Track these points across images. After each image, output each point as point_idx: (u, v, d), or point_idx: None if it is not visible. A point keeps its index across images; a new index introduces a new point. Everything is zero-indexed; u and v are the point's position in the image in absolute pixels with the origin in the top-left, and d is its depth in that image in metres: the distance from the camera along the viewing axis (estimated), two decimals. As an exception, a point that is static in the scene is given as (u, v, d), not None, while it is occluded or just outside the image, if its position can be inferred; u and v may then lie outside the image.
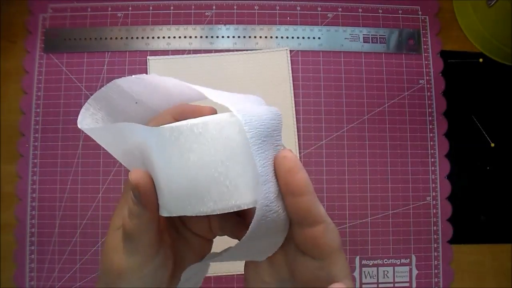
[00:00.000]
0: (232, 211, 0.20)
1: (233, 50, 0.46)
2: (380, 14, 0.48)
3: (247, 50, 0.46)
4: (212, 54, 0.46)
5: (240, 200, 0.20)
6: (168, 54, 0.46)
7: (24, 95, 0.46)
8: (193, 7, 0.47)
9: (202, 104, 0.24)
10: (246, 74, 0.46)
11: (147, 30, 0.47)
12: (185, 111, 0.24)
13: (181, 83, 0.23)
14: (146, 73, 0.45)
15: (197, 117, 0.21)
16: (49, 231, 0.44)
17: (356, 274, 0.44)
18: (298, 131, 0.45)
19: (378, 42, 0.47)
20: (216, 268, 0.43)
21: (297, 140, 0.45)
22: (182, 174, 0.20)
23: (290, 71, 0.46)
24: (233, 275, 0.43)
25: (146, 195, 0.21)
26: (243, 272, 0.44)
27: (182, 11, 0.47)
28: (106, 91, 0.23)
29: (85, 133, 0.45)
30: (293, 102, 0.45)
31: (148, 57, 0.46)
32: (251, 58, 0.46)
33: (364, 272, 0.44)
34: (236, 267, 0.43)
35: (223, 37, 0.47)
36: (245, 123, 0.19)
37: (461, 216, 0.46)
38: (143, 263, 0.22)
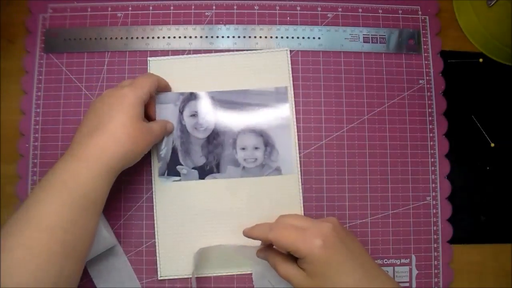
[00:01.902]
0: None
1: (233, 50, 0.46)
2: (380, 14, 0.48)
3: (247, 50, 0.46)
4: (212, 54, 0.46)
5: None
6: (168, 54, 0.46)
7: (24, 95, 0.46)
8: (193, 7, 0.47)
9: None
10: (246, 74, 0.46)
11: (147, 30, 0.47)
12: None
13: None
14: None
15: None
16: (49, 231, 0.44)
17: (356, 274, 0.44)
18: (298, 131, 0.45)
19: (378, 42, 0.47)
20: (216, 268, 0.43)
21: (297, 140, 0.45)
22: None
23: (290, 72, 0.46)
24: (233, 275, 0.43)
25: None
26: (243, 272, 0.44)
27: (182, 11, 0.47)
28: None
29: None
30: (293, 102, 0.45)
31: (148, 58, 0.46)
32: (251, 58, 0.46)
33: (364, 272, 0.44)
34: (236, 267, 0.43)
35: (223, 37, 0.47)
36: None
37: (461, 216, 0.46)
38: None
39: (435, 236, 0.45)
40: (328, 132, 0.46)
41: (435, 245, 0.45)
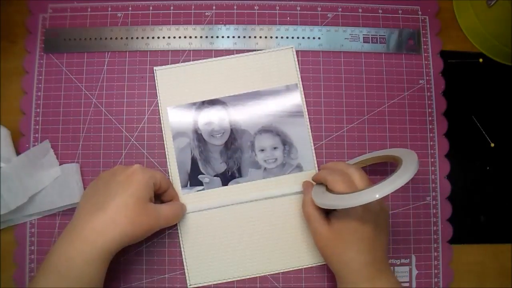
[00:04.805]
0: None
1: (233, 51, 0.46)
2: (380, 14, 0.48)
3: (248, 50, 0.46)
4: (218, 58, 0.46)
5: None
6: (168, 54, 0.46)
7: (24, 95, 0.46)
8: (193, 7, 0.47)
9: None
10: (254, 76, 0.46)
11: (147, 30, 0.47)
12: None
13: None
14: (154, 82, 0.45)
15: None
16: (49, 231, 0.44)
17: (356, 274, 0.44)
18: (298, 131, 0.45)
19: (378, 42, 0.47)
20: (218, 275, 0.43)
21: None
22: None
23: (298, 68, 0.46)
24: (233, 281, 0.43)
25: None
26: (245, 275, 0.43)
27: (182, 11, 0.47)
28: None
29: (85, 133, 0.46)
30: (305, 102, 0.45)
31: (154, 67, 0.46)
32: (257, 59, 0.46)
33: (364, 272, 0.44)
34: (237, 271, 0.43)
35: (223, 37, 0.47)
36: None
37: (461, 216, 0.46)
38: None
39: (435, 236, 0.45)
40: (328, 132, 0.46)
41: (435, 245, 0.45)
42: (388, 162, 0.45)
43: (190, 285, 0.43)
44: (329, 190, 0.38)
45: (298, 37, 0.47)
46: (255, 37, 0.47)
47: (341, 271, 0.38)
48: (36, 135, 0.45)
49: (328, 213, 0.40)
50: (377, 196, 0.33)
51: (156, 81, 0.46)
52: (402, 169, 0.35)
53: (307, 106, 0.46)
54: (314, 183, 0.43)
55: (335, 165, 0.41)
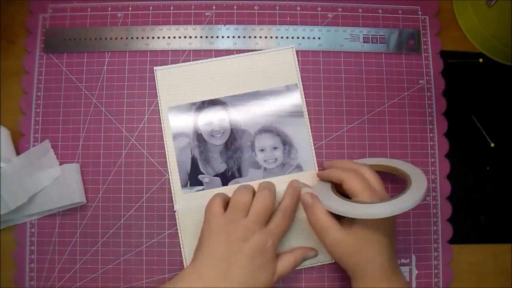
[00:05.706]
0: None
1: (233, 51, 0.46)
2: (380, 14, 0.48)
3: (248, 50, 0.46)
4: (218, 58, 0.46)
5: None
6: (168, 54, 0.46)
7: (24, 95, 0.46)
8: (193, 7, 0.47)
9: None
10: (254, 76, 0.46)
11: (147, 30, 0.47)
12: None
13: None
14: (154, 82, 0.45)
15: None
16: (49, 231, 0.44)
17: (356, 274, 0.44)
18: (298, 131, 0.45)
19: (378, 42, 0.47)
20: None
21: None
22: None
23: (298, 68, 0.46)
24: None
25: None
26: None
27: (182, 11, 0.47)
28: None
29: (85, 133, 0.46)
30: (305, 102, 0.45)
31: (154, 67, 0.46)
32: (257, 59, 0.46)
33: (364, 272, 0.44)
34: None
35: (223, 37, 0.47)
36: None
37: (461, 216, 0.46)
38: None
39: (435, 236, 0.45)
40: (328, 132, 0.46)
41: (435, 245, 0.45)
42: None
43: None
44: (337, 189, 0.38)
45: (298, 37, 0.47)
46: (255, 37, 0.47)
47: (359, 270, 0.38)
48: (36, 135, 0.45)
49: (339, 218, 0.38)
50: (407, 208, 0.35)
51: (156, 81, 0.46)
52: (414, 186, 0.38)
53: (307, 106, 0.46)
54: (315, 194, 0.40)
55: (342, 163, 0.41)
